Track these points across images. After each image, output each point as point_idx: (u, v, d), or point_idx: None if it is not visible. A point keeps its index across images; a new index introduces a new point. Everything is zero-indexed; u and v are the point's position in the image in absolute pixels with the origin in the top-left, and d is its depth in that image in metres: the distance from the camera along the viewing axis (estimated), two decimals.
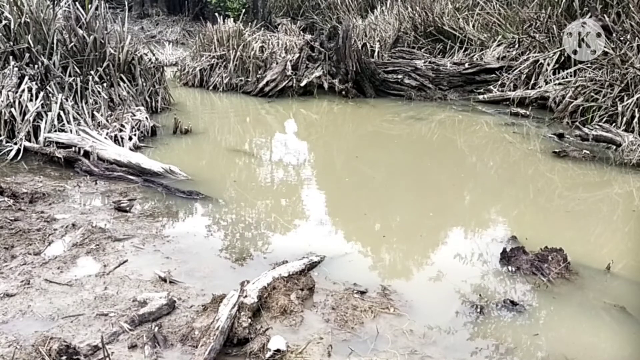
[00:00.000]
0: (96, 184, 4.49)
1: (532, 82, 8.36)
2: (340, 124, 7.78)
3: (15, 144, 5.09)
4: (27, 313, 2.58)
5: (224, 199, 4.33)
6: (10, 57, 5.82)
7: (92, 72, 6.25)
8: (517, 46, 9.20)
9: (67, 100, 5.65)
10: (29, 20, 6.09)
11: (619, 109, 6.37)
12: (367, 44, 9.61)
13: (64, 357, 2.20)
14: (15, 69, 5.63)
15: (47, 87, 5.69)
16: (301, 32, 12.90)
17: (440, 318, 2.73)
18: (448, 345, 2.51)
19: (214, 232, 3.73)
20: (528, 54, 8.74)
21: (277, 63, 9.12)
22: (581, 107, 6.96)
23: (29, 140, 5.17)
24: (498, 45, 9.47)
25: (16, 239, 3.34)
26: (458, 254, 3.47)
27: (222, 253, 3.41)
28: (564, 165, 5.47)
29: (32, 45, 5.94)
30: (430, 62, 9.27)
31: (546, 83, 8.11)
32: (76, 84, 5.93)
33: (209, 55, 9.45)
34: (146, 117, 6.13)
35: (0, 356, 2.23)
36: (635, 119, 6.13)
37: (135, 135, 5.67)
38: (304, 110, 8.16)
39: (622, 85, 6.59)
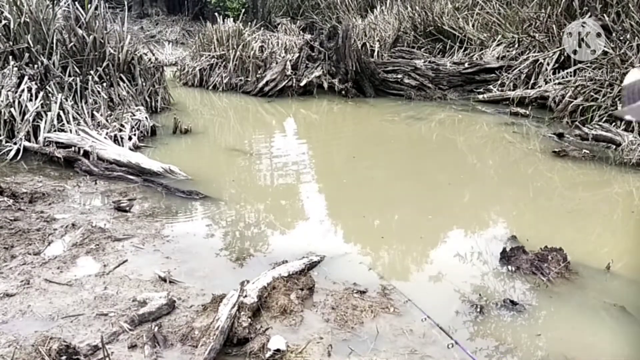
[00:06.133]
0: (96, 183, 4.49)
1: (531, 81, 8.36)
2: (340, 124, 7.77)
3: (15, 143, 5.09)
4: (27, 313, 2.58)
5: (223, 198, 4.33)
6: (10, 57, 5.82)
7: (91, 72, 6.25)
8: (516, 46, 9.20)
9: (66, 100, 5.65)
10: (28, 20, 6.09)
11: (619, 108, 6.36)
12: (367, 43, 9.61)
13: (64, 357, 2.20)
14: (15, 68, 5.62)
15: (47, 87, 5.69)
16: (301, 32, 12.92)
17: (440, 318, 2.72)
18: (448, 345, 2.51)
19: (214, 232, 3.73)
20: (528, 53, 8.74)
21: (276, 63, 9.13)
22: (581, 107, 6.96)
23: (29, 140, 5.17)
24: (498, 45, 9.47)
25: (16, 238, 3.34)
26: (458, 254, 3.47)
27: (222, 253, 3.41)
28: (564, 165, 5.47)
29: (31, 45, 5.94)
30: (430, 61, 9.27)
31: (546, 83, 8.11)
32: (76, 84, 5.93)
33: (209, 55, 9.45)
34: (146, 117, 6.14)
35: (0, 356, 2.23)
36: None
37: (134, 135, 5.67)
38: (304, 110, 8.16)
39: (622, 84, 6.59)
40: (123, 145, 5.36)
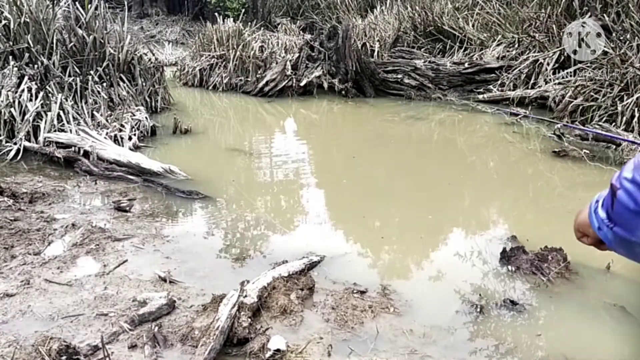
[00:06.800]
0: (96, 183, 4.49)
1: (531, 81, 8.35)
2: (340, 124, 7.78)
3: (15, 143, 5.09)
4: (27, 313, 2.58)
5: (223, 198, 4.33)
6: (10, 57, 5.82)
7: (91, 72, 6.25)
8: (516, 46, 9.20)
9: (66, 100, 5.65)
10: (28, 20, 6.09)
11: (619, 108, 6.37)
12: (367, 43, 9.61)
13: (64, 357, 2.20)
14: (15, 68, 5.62)
15: (47, 87, 5.69)
16: (301, 32, 12.92)
17: (440, 318, 2.73)
18: (448, 345, 2.51)
19: (214, 232, 3.73)
20: (528, 53, 8.74)
21: (276, 63, 9.13)
22: (581, 107, 6.96)
23: (29, 140, 5.17)
24: (498, 45, 9.47)
25: (16, 239, 3.34)
26: (458, 254, 3.47)
27: (222, 253, 3.41)
28: (564, 165, 5.47)
29: (31, 45, 5.94)
30: (430, 61, 9.27)
31: (546, 83, 8.10)
32: (76, 84, 5.93)
33: (209, 55, 9.45)
34: (146, 117, 6.14)
35: (0, 356, 2.23)
36: (635, 119, 6.13)
37: (135, 135, 5.67)
38: (304, 110, 8.16)
39: (622, 84, 6.59)
40: (123, 145, 5.36)
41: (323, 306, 2.76)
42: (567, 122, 6.98)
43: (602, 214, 0.89)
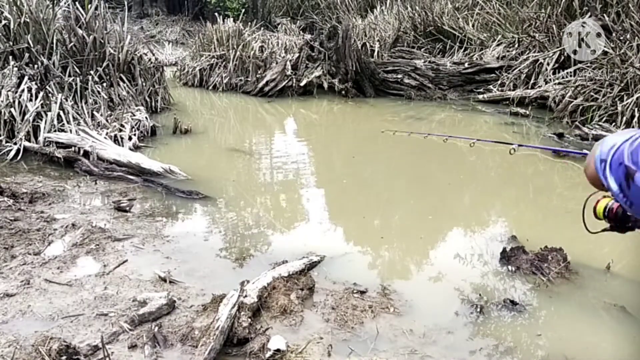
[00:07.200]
0: (96, 183, 4.49)
1: (531, 81, 8.36)
2: (340, 124, 7.77)
3: (15, 144, 5.09)
4: (27, 313, 2.58)
5: (223, 198, 4.33)
6: (10, 57, 5.82)
7: (91, 72, 6.25)
8: (516, 46, 9.21)
9: (66, 100, 5.65)
10: (28, 20, 6.09)
11: (619, 108, 6.38)
12: (367, 43, 9.62)
13: (64, 357, 2.20)
14: (15, 68, 5.62)
15: (47, 87, 5.69)
16: (301, 32, 12.94)
17: (440, 318, 2.72)
18: (448, 345, 2.51)
19: (214, 232, 3.73)
20: (528, 53, 8.74)
21: (276, 63, 9.13)
22: (581, 107, 6.96)
23: (29, 140, 5.17)
24: (498, 45, 9.47)
25: (16, 239, 3.34)
26: (458, 254, 3.47)
27: (222, 253, 3.41)
28: (564, 165, 5.47)
29: (31, 45, 5.94)
30: (430, 61, 9.28)
31: (546, 83, 8.11)
32: (76, 84, 5.93)
33: (209, 55, 9.46)
34: (146, 117, 6.14)
35: (0, 356, 2.23)
36: (635, 119, 6.13)
37: (135, 135, 5.67)
38: (304, 110, 8.16)
39: (622, 84, 6.59)
40: (123, 145, 5.36)
41: (323, 306, 2.76)
42: (567, 122, 6.99)
43: (613, 185, 0.80)
